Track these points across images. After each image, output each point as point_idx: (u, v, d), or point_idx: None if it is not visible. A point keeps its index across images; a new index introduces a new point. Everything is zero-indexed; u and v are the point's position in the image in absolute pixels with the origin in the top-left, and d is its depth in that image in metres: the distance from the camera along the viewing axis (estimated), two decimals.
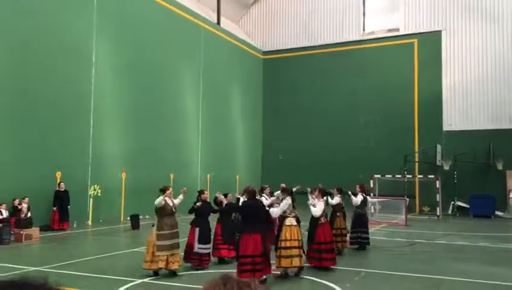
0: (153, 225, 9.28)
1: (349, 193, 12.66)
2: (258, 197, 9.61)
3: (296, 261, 8.80)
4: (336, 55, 28.90)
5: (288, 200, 8.98)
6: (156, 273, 8.91)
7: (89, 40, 18.16)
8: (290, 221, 8.97)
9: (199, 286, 8.22)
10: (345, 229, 12.10)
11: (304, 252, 9.22)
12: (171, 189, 9.33)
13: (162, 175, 20.66)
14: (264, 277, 8.27)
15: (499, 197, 23.70)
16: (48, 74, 16.43)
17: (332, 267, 9.67)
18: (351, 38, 28.90)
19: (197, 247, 9.62)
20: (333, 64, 28.85)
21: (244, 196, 9.74)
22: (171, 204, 9.14)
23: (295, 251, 8.81)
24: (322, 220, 9.86)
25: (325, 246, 9.68)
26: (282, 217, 9.10)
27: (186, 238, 9.97)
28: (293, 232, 8.89)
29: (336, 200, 11.82)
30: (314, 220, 9.92)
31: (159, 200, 8.97)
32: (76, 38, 17.64)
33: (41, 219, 15.25)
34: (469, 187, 23.95)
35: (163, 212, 9.01)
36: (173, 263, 8.87)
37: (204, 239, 9.72)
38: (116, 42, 19.45)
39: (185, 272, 9.33)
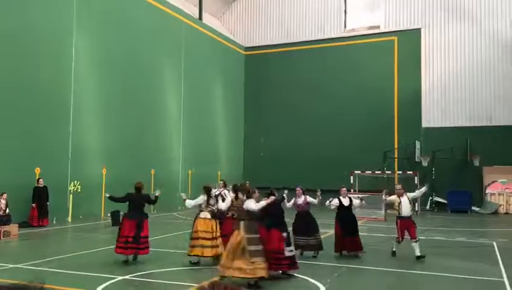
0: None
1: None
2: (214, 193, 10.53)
3: (207, 252, 9.58)
4: (318, 52, 29.03)
5: (203, 196, 10.00)
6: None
7: (69, 34, 17.89)
8: (205, 214, 9.92)
9: (176, 283, 8.25)
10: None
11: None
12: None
13: (143, 171, 20.54)
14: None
15: (476, 193, 24.21)
16: (27, 68, 16.16)
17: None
18: (333, 36, 29.06)
19: (288, 250, 8.94)
20: (315, 61, 28.98)
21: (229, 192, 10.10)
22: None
23: (207, 242, 9.66)
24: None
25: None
26: (199, 210, 10.04)
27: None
28: (206, 225, 9.80)
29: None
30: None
31: (256, 204, 8.31)
32: (56, 32, 17.37)
33: (20, 216, 15.03)
34: (447, 183, 24.38)
35: (253, 214, 8.33)
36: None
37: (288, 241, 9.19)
38: (96, 36, 19.20)
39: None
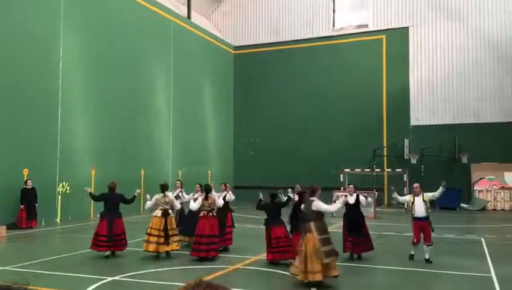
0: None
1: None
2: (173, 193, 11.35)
3: (162, 248, 10.30)
4: (307, 50, 29.10)
5: (159, 195, 10.75)
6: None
7: (57, 33, 17.75)
8: (157, 213, 10.63)
9: (167, 283, 8.24)
10: None
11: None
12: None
13: (133, 171, 20.46)
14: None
15: (464, 189, 24.43)
16: (14, 69, 16.00)
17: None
18: (321, 34, 29.14)
19: None
20: (304, 60, 29.05)
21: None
22: None
23: (161, 239, 10.31)
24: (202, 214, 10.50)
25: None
26: (155, 208, 10.80)
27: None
28: (157, 222, 10.47)
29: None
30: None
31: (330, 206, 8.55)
32: (43, 30, 17.22)
33: (8, 218, 14.91)
34: (435, 180, 24.41)
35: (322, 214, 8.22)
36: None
37: None
38: (84, 36, 19.06)
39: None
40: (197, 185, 11.83)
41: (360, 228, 10.58)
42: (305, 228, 7.98)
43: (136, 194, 11.18)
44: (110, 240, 10.44)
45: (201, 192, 11.03)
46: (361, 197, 11.00)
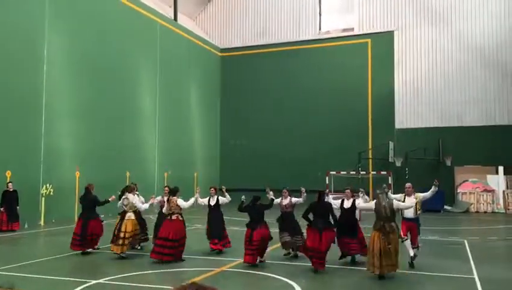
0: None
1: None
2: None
3: (124, 249, 10.58)
4: (293, 53, 29.21)
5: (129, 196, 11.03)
6: None
7: (41, 35, 17.56)
8: (129, 215, 10.87)
9: (152, 286, 8.20)
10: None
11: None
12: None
13: (118, 173, 20.30)
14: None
15: (448, 192, 24.69)
16: None
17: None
18: (308, 38, 29.29)
19: None
20: (290, 63, 29.16)
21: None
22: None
23: (119, 240, 10.59)
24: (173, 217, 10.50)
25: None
26: (124, 211, 11.02)
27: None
28: (129, 224, 10.75)
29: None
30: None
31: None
32: (28, 31, 17.03)
33: None
34: (420, 183, 24.63)
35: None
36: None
37: None
38: (69, 36, 18.89)
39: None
40: (166, 188, 11.86)
41: (355, 231, 10.49)
42: (390, 227, 8.86)
43: (110, 199, 11.60)
44: (82, 239, 11.00)
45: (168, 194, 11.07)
46: (357, 201, 10.73)
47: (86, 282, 8.31)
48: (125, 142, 21.69)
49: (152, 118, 24.04)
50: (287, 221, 10.92)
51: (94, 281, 8.42)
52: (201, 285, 1.33)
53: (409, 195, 10.43)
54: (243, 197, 10.80)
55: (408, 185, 10.50)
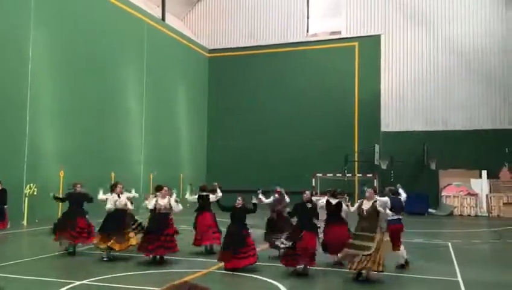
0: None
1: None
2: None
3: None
4: (281, 55, 29.28)
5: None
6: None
7: (27, 33, 17.34)
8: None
9: (137, 287, 8.13)
10: None
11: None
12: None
13: (103, 173, 20.05)
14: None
15: (432, 195, 24.98)
16: None
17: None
18: (295, 40, 29.38)
19: None
20: (278, 65, 29.21)
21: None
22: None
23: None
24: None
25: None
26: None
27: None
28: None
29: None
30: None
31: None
32: (12, 30, 16.80)
33: None
34: (404, 186, 24.73)
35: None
36: None
37: None
38: (54, 35, 18.68)
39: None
40: (165, 188, 11.80)
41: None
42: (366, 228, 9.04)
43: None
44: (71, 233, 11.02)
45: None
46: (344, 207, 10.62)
47: (70, 283, 8.22)
48: (110, 142, 21.50)
49: (138, 118, 23.87)
50: (277, 221, 10.99)
51: (78, 282, 8.32)
52: (194, 284, 1.32)
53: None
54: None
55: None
